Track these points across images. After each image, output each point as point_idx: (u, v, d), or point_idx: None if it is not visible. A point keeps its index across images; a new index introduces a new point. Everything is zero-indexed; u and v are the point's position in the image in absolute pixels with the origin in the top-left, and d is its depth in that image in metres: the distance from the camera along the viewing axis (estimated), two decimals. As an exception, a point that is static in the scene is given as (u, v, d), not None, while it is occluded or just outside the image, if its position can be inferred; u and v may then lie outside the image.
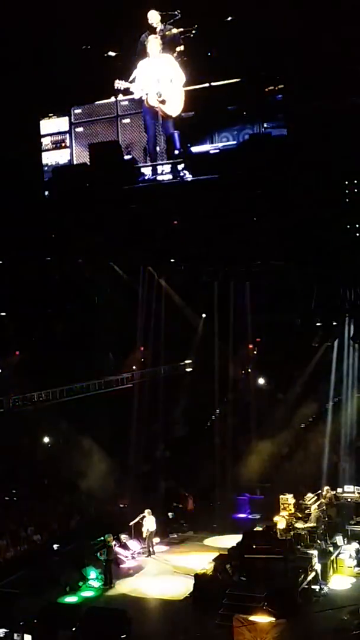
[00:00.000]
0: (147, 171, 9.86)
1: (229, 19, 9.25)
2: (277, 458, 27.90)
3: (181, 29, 9.37)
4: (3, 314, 23.15)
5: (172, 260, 18.80)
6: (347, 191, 16.16)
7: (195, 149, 9.51)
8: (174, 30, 9.47)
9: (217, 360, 30.78)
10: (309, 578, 19.00)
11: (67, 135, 10.54)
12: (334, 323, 19.20)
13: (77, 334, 26.42)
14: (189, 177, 9.65)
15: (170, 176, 9.68)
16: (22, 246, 16.85)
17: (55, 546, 22.77)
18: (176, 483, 27.71)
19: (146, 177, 9.82)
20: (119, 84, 9.86)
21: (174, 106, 9.49)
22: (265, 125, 9.17)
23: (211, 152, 9.37)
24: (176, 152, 9.51)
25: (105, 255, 20.40)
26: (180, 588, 20.05)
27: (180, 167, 9.58)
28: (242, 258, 20.16)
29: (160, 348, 29.50)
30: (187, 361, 30.66)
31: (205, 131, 9.52)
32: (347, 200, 16.05)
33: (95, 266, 24.03)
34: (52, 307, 24.64)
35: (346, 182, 16.25)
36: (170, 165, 9.67)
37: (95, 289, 26.08)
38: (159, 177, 9.73)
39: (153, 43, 9.54)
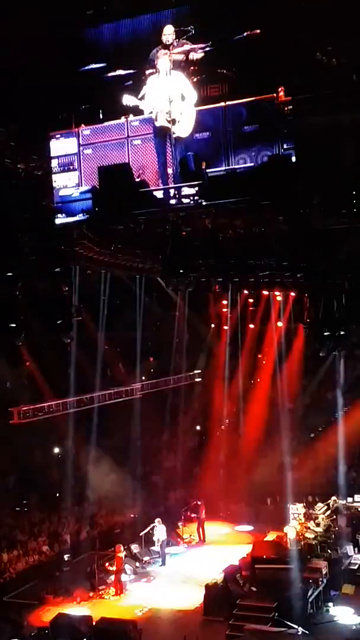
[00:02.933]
0: (158, 195, 9.69)
1: (245, 34, 9.17)
2: (287, 468, 27.85)
3: (195, 46, 9.25)
4: (13, 325, 23.20)
5: (181, 271, 18.84)
6: (354, 201, 16.22)
7: (210, 172, 9.33)
8: (187, 47, 9.34)
9: (227, 370, 30.90)
10: (320, 588, 18.98)
11: (75, 158, 10.37)
12: (342, 332, 19.15)
13: (86, 345, 26.49)
14: (203, 201, 9.47)
15: (183, 200, 9.50)
16: (31, 257, 16.95)
17: (65, 557, 22.83)
18: (186, 493, 27.72)
19: (159, 202, 9.66)
20: (128, 100, 9.69)
21: (185, 126, 9.32)
22: (285, 146, 9.03)
23: (227, 174, 9.21)
24: (190, 175, 9.33)
25: (115, 266, 20.46)
26: (191, 598, 20.05)
27: (194, 190, 9.39)
28: (251, 268, 20.21)
29: (170, 358, 29.58)
30: (196, 371, 30.72)
31: (221, 153, 9.35)
32: (355, 210, 16.11)
33: (104, 277, 24.16)
34: (62, 317, 24.65)
35: (354, 192, 16.33)
36: (184, 189, 9.47)
37: (105, 299, 26.16)
38: (171, 202, 9.54)
39: (163, 59, 9.36)
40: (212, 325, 31.68)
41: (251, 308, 29.86)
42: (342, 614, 18.39)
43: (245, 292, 25.55)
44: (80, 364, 25.89)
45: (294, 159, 8.91)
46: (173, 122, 9.32)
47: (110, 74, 9.97)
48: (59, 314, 17.02)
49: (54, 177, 10.75)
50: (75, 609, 19.53)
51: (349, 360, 27.11)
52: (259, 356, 31.82)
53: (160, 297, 27.68)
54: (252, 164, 9.09)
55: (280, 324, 29.10)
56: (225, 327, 30.96)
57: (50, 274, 16.34)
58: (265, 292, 25.49)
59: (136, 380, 27.62)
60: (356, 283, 19.22)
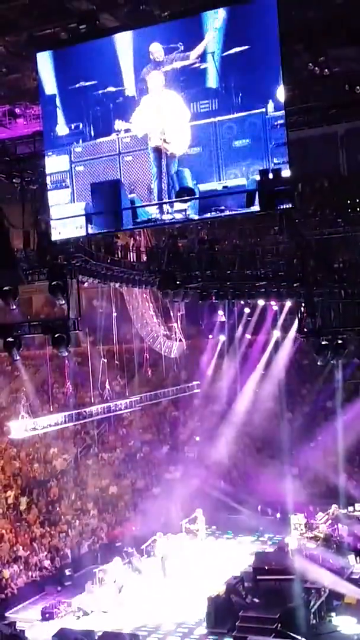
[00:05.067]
0: (152, 210, 9.75)
1: (234, 51, 9.24)
2: (287, 477, 27.81)
3: (184, 63, 9.31)
4: (10, 339, 23.23)
5: (177, 282, 18.91)
6: (349, 210, 16.35)
7: (202, 187, 9.41)
8: (176, 64, 9.40)
9: (225, 380, 30.91)
10: (322, 598, 18.91)
11: (68, 175, 10.43)
12: (339, 341, 19.18)
13: (84, 358, 26.53)
14: (194, 216, 9.54)
15: (175, 215, 9.56)
16: (27, 271, 16.99)
17: (67, 571, 22.75)
18: (186, 505, 27.65)
19: (151, 217, 9.71)
20: (119, 125, 9.78)
21: (178, 144, 9.40)
22: (275, 161, 9.08)
23: (219, 189, 9.27)
24: (182, 190, 9.38)
25: (112, 278, 20.51)
26: (193, 611, 19.96)
27: (186, 205, 9.46)
28: (247, 278, 20.31)
29: (168, 370, 29.56)
30: (194, 382, 30.71)
31: (212, 168, 9.41)
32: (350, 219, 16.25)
33: (101, 290, 24.21)
34: (59, 331, 24.60)
35: (348, 202, 16.45)
36: (175, 204, 9.54)
37: (102, 312, 26.21)
38: (164, 217, 9.61)
39: (154, 79, 9.42)
40: (210, 336, 31.71)
41: (248, 318, 29.93)
42: (344, 624, 18.32)
43: (242, 302, 25.61)
44: (79, 377, 25.90)
45: (284, 173, 8.95)
46: (166, 141, 9.38)
47: (101, 91, 10.04)
48: (56, 328, 16.98)
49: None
50: (78, 624, 19.47)
51: (347, 369, 27.08)
52: (257, 366, 31.82)
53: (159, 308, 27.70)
54: (243, 178, 9.16)
55: (277, 333, 29.14)
56: (222, 337, 31.01)
57: (47, 288, 16.34)
58: (262, 302, 25.54)
59: (135, 393, 27.61)
60: (353, 291, 19.30)
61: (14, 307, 15.80)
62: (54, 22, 10.55)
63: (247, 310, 29.12)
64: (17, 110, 12.92)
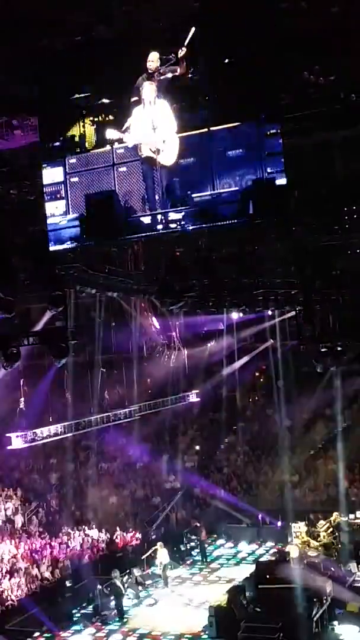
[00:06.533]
0: (146, 220, 9.77)
1: (227, 61, 9.24)
2: (288, 486, 27.75)
3: (176, 73, 9.33)
4: (14, 350, 23.14)
5: (175, 291, 18.88)
6: (346, 217, 16.32)
7: (195, 197, 9.43)
8: (169, 75, 9.43)
9: (224, 388, 30.90)
10: (324, 606, 18.83)
11: (62, 186, 10.46)
12: (339, 348, 19.17)
13: (83, 368, 26.49)
14: (189, 226, 9.56)
15: (170, 225, 9.58)
16: (25, 282, 16.97)
17: (67, 583, 22.64)
18: (187, 514, 27.60)
19: (146, 227, 9.73)
20: (111, 134, 9.80)
21: (169, 155, 9.43)
22: (268, 170, 9.08)
23: (213, 198, 9.30)
24: (176, 200, 9.40)
25: (109, 288, 20.48)
26: (195, 621, 19.88)
27: (180, 215, 9.48)
28: (245, 286, 20.28)
29: (168, 378, 29.53)
30: (194, 391, 30.70)
31: (206, 177, 9.43)
32: (347, 226, 16.20)
33: (98, 300, 24.17)
34: (57, 341, 24.52)
35: (345, 209, 16.43)
36: (169, 214, 9.56)
37: (100, 322, 26.18)
38: (159, 227, 9.63)
39: (148, 89, 9.45)
40: (209, 344, 31.70)
41: (247, 326, 29.93)
42: (347, 632, 18.25)
43: (240, 309, 25.59)
44: (78, 387, 25.85)
45: (277, 182, 8.95)
46: (157, 152, 9.41)
47: (96, 103, 10.06)
48: (54, 338, 16.97)
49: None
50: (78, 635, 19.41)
51: (346, 376, 27.06)
52: (257, 374, 31.82)
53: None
54: (237, 188, 9.15)
55: (276, 340, 29.14)
56: (221, 345, 31.00)
57: (45, 298, 16.34)
58: (260, 310, 25.51)
59: (134, 402, 27.58)
60: (351, 298, 19.30)
61: (11, 317, 15.77)
62: (50, 33, 10.57)
63: (240, 314, 29.05)
64: (15, 122, 12.93)
